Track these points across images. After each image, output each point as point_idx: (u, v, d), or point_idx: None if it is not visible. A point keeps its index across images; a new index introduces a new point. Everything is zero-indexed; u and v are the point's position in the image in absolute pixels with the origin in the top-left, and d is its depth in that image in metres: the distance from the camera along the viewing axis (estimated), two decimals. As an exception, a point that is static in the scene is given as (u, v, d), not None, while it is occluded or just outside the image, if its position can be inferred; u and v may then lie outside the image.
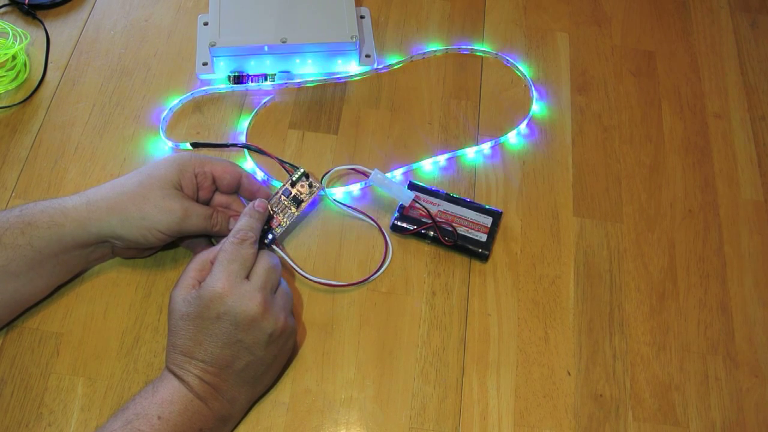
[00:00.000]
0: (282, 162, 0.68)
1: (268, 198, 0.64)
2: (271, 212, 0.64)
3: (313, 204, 0.69)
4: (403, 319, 0.64)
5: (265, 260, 0.57)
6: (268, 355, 0.56)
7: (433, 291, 0.66)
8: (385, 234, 0.68)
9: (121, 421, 0.51)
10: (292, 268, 0.63)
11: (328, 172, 0.67)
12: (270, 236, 0.63)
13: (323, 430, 0.59)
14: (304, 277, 0.64)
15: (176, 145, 0.72)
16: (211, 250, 0.59)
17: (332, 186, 0.70)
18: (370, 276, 0.66)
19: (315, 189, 0.66)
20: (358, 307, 0.64)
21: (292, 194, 0.65)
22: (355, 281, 0.65)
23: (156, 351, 0.61)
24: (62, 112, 0.74)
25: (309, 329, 0.63)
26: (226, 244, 0.57)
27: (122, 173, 0.70)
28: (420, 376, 0.62)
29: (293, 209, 0.65)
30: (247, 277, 0.56)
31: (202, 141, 0.72)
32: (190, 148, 0.72)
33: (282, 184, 0.66)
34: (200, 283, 0.56)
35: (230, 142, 0.72)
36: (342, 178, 0.71)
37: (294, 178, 0.66)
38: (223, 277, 0.55)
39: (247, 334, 0.54)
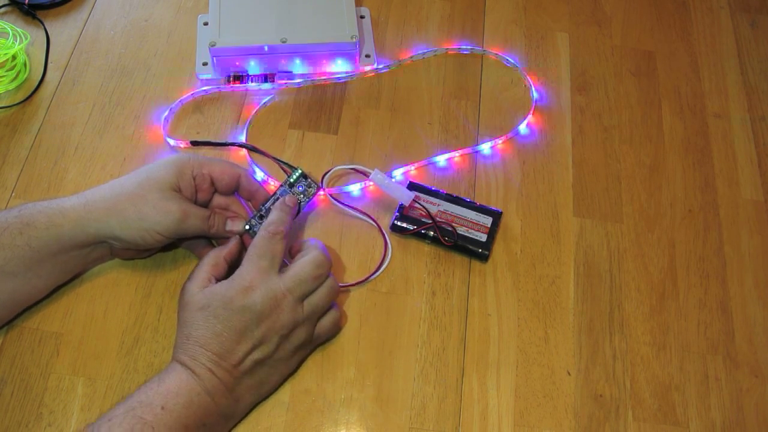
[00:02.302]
0: (280, 162, 0.67)
1: (266, 200, 0.64)
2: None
3: (312, 204, 0.69)
4: (403, 319, 0.64)
5: (307, 267, 0.57)
6: (278, 356, 0.56)
7: (433, 291, 0.66)
8: (385, 234, 0.68)
9: (124, 408, 0.51)
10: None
11: (328, 172, 0.67)
12: None
13: (323, 430, 0.59)
14: None
15: (177, 143, 0.72)
16: (224, 247, 0.60)
17: (332, 186, 0.70)
18: (370, 276, 0.66)
19: (313, 189, 0.66)
20: (358, 307, 0.64)
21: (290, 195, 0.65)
22: (355, 281, 0.65)
23: (156, 351, 0.61)
24: (62, 112, 0.74)
25: (309, 329, 0.63)
26: (257, 239, 0.58)
27: (122, 173, 0.70)
28: (420, 376, 0.62)
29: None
30: (280, 272, 0.57)
31: (201, 140, 0.72)
32: (190, 146, 0.72)
33: (280, 184, 0.65)
34: (215, 278, 0.57)
35: (230, 141, 0.72)
36: (342, 178, 0.71)
37: (292, 179, 0.65)
38: (254, 270, 0.56)
39: (266, 330, 0.54)
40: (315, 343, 0.60)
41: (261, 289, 0.55)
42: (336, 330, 0.62)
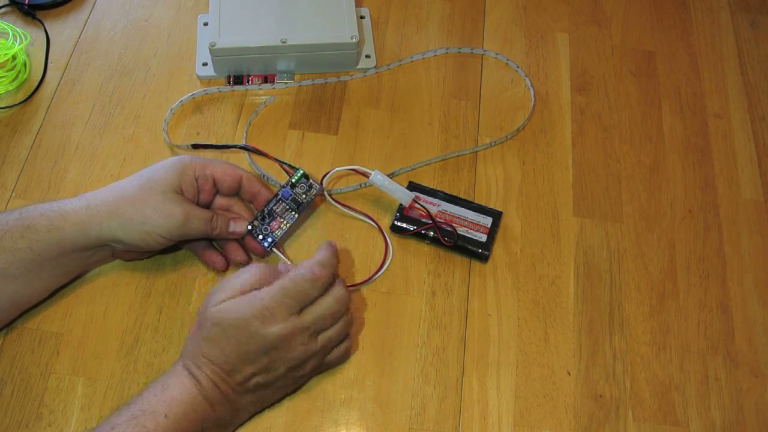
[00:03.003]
0: (281, 163, 0.68)
1: (268, 201, 0.64)
2: (272, 214, 0.64)
3: (313, 205, 0.69)
4: (403, 319, 0.64)
5: (329, 305, 0.56)
6: (282, 382, 0.56)
7: (433, 291, 0.66)
8: (385, 235, 0.68)
9: (126, 416, 0.51)
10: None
11: (328, 173, 0.67)
12: (270, 239, 0.63)
13: (323, 430, 0.59)
14: None
15: (177, 146, 0.72)
16: (271, 269, 0.57)
17: (332, 187, 0.70)
18: (371, 277, 0.66)
19: (314, 190, 0.66)
20: (358, 307, 0.64)
21: (292, 196, 0.65)
22: (357, 282, 0.65)
23: (156, 351, 0.61)
24: (62, 112, 0.74)
25: (309, 329, 0.63)
26: (297, 274, 0.55)
27: (122, 173, 0.70)
28: (420, 376, 0.62)
29: (293, 211, 0.65)
30: (301, 311, 0.55)
31: (202, 143, 0.72)
32: (191, 149, 0.72)
33: (281, 185, 0.65)
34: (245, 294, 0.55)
35: (231, 143, 0.72)
36: (342, 179, 0.71)
37: (293, 180, 0.65)
38: (280, 304, 0.54)
39: (275, 358, 0.54)
40: (322, 370, 0.60)
41: (280, 325, 0.53)
42: (345, 359, 0.61)
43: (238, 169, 0.63)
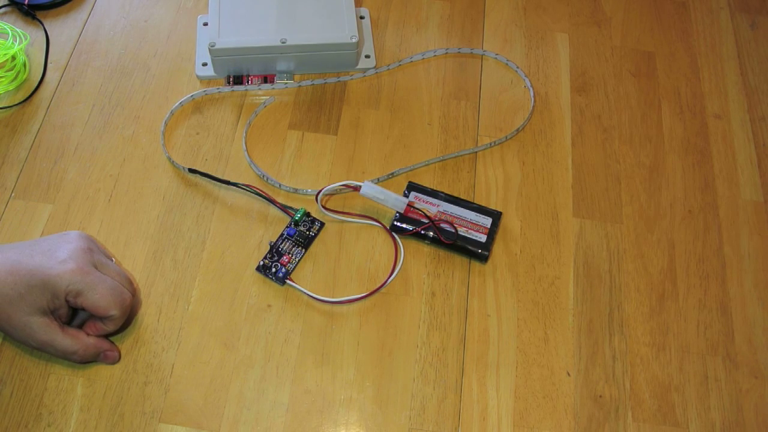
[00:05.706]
0: (282, 207, 0.68)
1: (275, 241, 0.65)
2: (279, 252, 0.66)
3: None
4: (403, 320, 0.64)
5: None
6: None
7: (433, 292, 0.66)
8: (395, 237, 0.68)
9: None
10: (310, 296, 0.64)
11: (319, 192, 0.67)
12: (284, 271, 0.64)
13: (323, 431, 0.59)
14: (323, 301, 0.64)
15: (179, 166, 0.72)
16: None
17: (330, 195, 0.70)
18: (386, 281, 0.65)
19: (317, 225, 0.68)
20: (358, 307, 0.64)
21: (297, 233, 0.67)
22: (372, 290, 0.65)
23: (155, 351, 0.61)
24: (62, 113, 0.74)
25: (308, 330, 0.63)
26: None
27: (122, 174, 0.70)
28: (419, 377, 0.62)
29: (300, 247, 0.66)
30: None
31: (201, 171, 0.70)
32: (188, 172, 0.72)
33: (286, 225, 0.67)
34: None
35: (231, 179, 0.69)
36: (340, 179, 0.71)
37: (296, 218, 0.67)
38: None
39: None
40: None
41: None
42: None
43: (112, 305, 0.57)
